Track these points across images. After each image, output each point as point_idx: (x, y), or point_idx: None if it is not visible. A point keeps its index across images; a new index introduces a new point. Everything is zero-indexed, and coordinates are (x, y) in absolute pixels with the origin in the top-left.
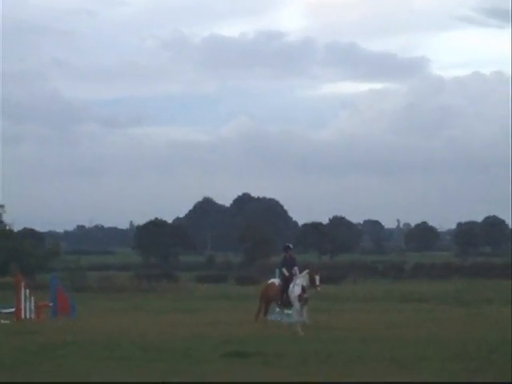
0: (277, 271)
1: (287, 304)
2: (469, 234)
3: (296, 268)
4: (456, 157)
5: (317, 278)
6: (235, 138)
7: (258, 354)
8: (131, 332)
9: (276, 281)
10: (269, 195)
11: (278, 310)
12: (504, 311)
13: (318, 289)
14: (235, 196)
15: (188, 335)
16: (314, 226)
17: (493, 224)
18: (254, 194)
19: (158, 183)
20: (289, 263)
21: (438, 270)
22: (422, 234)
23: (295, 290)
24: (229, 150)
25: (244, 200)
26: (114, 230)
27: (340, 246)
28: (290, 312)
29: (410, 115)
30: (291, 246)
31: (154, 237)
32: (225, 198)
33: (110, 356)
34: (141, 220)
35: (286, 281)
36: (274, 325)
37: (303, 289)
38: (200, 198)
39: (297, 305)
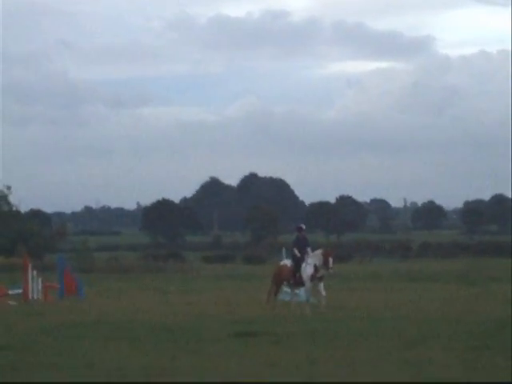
0: (284, 250)
1: (300, 284)
2: (476, 213)
3: (309, 248)
4: (462, 135)
5: (330, 259)
6: (242, 118)
7: (267, 333)
8: (139, 312)
9: (288, 262)
10: (276, 175)
11: (285, 289)
12: (510, 289)
13: (331, 271)
14: (242, 176)
15: (196, 315)
16: (321, 206)
17: (500, 202)
18: (261, 173)
19: (164, 163)
20: (301, 243)
21: (445, 248)
22: (429, 213)
23: (307, 269)
24: (235, 129)
25: (251, 180)
26: (121, 211)
27: (347, 225)
28: (297, 291)
29: (416, 94)
30: (304, 226)
31: (161, 217)
32: (232, 178)
33: (119, 336)
34: (148, 200)
35: (298, 261)
36: (283, 305)
37: (315, 268)
38: (207, 178)
39: (308, 284)
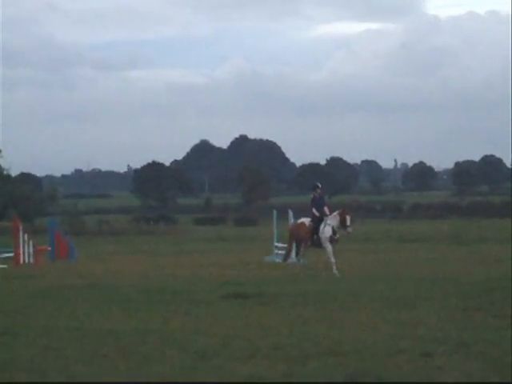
0: (274, 212)
1: (318, 245)
2: (466, 174)
3: (326, 208)
4: (452, 96)
5: (348, 218)
6: (231, 80)
7: (257, 294)
8: (130, 274)
9: (306, 220)
10: (266, 137)
11: (276, 251)
12: (501, 249)
13: (349, 230)
14: (232, 138)
15: (187, 277)
16: (312, 167)
17: (490, 163)
18: (252, 135)
19: (154, 126)
20: (318, 203)
21: (436, 209)
22: (420, 174)
23: (326, 230)
24: (225, 92)
25: (241, 142)
26: (111, 174)
27: (338, 186)
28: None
29: (405, 55)
30: (319, 185)
31: (151, 180)
32: (222, 140)
33: (110, 299)
34: (138, 163)
35: (317, 221)
36: (274, 266)
37: (334, 230)
38: (197, 141)
39: (328, 246)
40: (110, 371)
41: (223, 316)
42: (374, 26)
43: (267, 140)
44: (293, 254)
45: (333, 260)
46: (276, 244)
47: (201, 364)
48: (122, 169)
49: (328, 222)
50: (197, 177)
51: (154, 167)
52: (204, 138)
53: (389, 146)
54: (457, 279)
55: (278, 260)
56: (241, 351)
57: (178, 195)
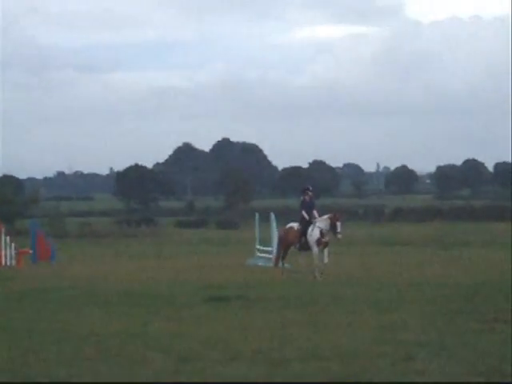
0: (256, 215)
1: (306, 248)
2: (448, 177)
3: (315, 211)
4: (434, 100)
5: (338, 224)
6: (214, 83)
7: (239, 298)
8: (112, 277)
9: (295, 225)
10: (248, 140)
11: (258, 254)
12: (483, 253)
13: (339, 236)
14: (215, 141)
15: (169, 280)
16: (294, 171)
17: (472, 167)
18: (234, 138)
19: (136, 129)
20: (308, 206)
21: (418, 213)
22: (402, 178)
23: (314, 233)
24: (208, 95)
25: (223, 145)
26: (93, 176)
27: (320, 190)
28: (270, 256)
29: (387, 59)
30: (311, 188)
31: (134, 182)
32: (204, 143)
33: (92, 301)
34: (121, 166)
35: (306, 224)
36: (255, 269)
37: (322, 233)
38: (179, 144)
39: (315, 249)
40: (92, 374)
41: (205, 319)
42: (356, 29)
43: (250, 143)
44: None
45: (317, 263)
46: (258, 247)
47: (182, 367)
48: (105, 171)
49: (317, 224)
50: (179, 180)
51: (137, 170)
52: (186, 140)
53: (371, 149)
54: (438, 283)
55: (261, 263)
56: (222, 354)
57: (160, 198)
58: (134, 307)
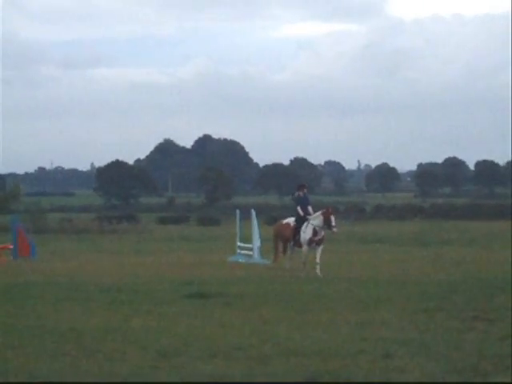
0: (238, 212)
1: (299, 245)
2: (429, 175)
3: (310, 207)
4: (416, 98)
5: (332, 218)
6: (195, 80)
7: (219, 294)
8: (92, 273)
9: (291, 220)
10: (230, 137)
11: (238, 250)
12: (464, 251)
13: (335, 229)
14: (196, 137)
15: (149, 276)
16: (275, 167)
17: (453, 165)
18: (215, 135)
19: (118, 125)
20: (303, 202)
21: (399, 211)
22: (383, 175)
23: (307, 231)
24: (189, 91)
25: (205, 141)
26: (74, 172)
27: None
28: (250, 253)
29: (369, 56)
30: (306, 184)
31: (114, 178)
32: (186, 140)
33: (72, 297)
34: (102, 162)
35: (301, 221)
36: (236, 266)
37: (315, 232)
38: (161, 140)
39: (305, 248)
40: (71, 370)
41: (185, 315)
42: (338, 27)
43: (231, 140)
44: (255, 253)
45: (304, 261)
46: (239, 244)
47: (162, 363)
48: (86, 167)
49: (311, 221)
50: (160, 176)
51: (118, 166)
52: (168, 137)
53: (352, 147)
54: (418, 281)
55: (241, 260)
56: (202, 351)
57: (141, 194)
58: (114, 303)
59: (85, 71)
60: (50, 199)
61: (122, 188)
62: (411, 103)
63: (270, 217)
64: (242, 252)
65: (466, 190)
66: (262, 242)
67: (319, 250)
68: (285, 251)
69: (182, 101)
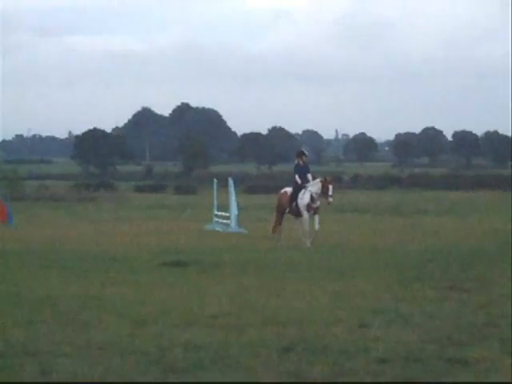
0: (215, 181)
1: (296, 213)
2: (407, 145)
3: (309, 175)
4: (393, 68)
5: (330, 187)
6: (173, 48)
7: (196, 263)
8: (70, 241)
9: (288, 189)
10: (208, 105)
11: (216, 219)
12: (440, 221)
13: (330, 199)
14: (174, 106)
15: (126, 244)
16: (253, 137)
17: (430, 135)
18: (193, 103)
19: (95, 93)
20: (302, 170)
21: (376, 180)
22: (361, 145)
23: (305, 197)
24: (167, 59)
25: (183, 110)
26: (52, 140)
27: (279, 156)
28: (227, 222)
29: (347, 27)
30: (306, 152)
31: (92, 146)
32: (163, 108)
33: (48, 265)
34: (79, 129)
35: (297, 189)
36: (212, 234)
37: (312, 198)
38: (139, 108)
39: (305, 214)
40: (48, 337)
41: (162, 284)
42: None
43: (209, 108)
44: (233, 223)
45: (306, 229)
46: (216, 212)
47: (139, 331)
48: (63, 135)
49: (309, 188)
50: (138, 144)
51: (95, 134)
52: (145, 105)
53: (330, 116)
54: (395, 250)
55: (218, 229)
56: (179, 319)
57: (118, 162)
58: (91, 271)
59: (62, 39)
60: (27, 167)
61: (100, 156)
62: (389, 73)
63: (247, 186)
64: (219, 221)
65: (443, 160)
66: (239, 211)
67: (316, 218)
68: (280, 222)
69: (159, 69)
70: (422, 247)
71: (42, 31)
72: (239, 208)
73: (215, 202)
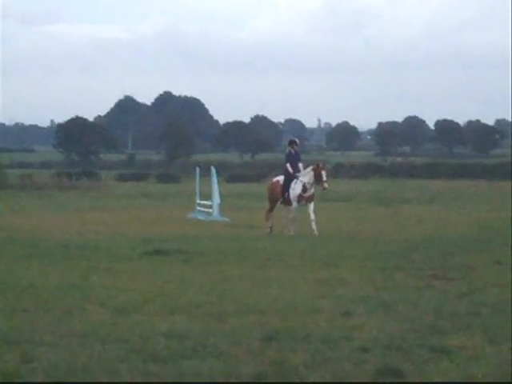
0: (197, 169)
1: (288, 203)
2: (389, 134)
3: (300, 164)
4: (376, 57)
5: (323, 173)
6: (156, 36)
7: (179, 251)
8: (52, 229)
9: (280, 178)
10: (190, 94)
11: (198, 208)
12: (422, 210)
13: (326, 185)
14: (157, 94)
15: (109, 233)
16: (236, 125)
17: (413, 124)
18: (176, 92)
19: (78, 81)
20: (293, 159)
21: (359, 169)
22: (343, 134)
23: (296, 187)
24: (150, 48)
25: (165, 98)
26: (35, 128)
27: (261, 144)
28: (210, 210)
29: (329, 15)
30: (297, 140)
31: (74, 135)
32: (146, 97)
33: (31, 253)
34: (62, 118)
35: (289, 178)
36: (195, 223)
37: (304, 187)
38: (121, 97)
39: (294, 204)
40: (30, 326)
41: (144, 272)
42: None
43: (191, 97)
44: (215, 211)
45: (291, 218)
46: (198, 201)
47: (121, 319)
48: (46, 123)
49: (300, 178)
50: (120, 133)
51: (78, 122)
52: (128, 94)
53: (313, 105)
54: (377, 239)
55: (201, 217)
56: (161, 307)
57: (101, 151)
58: (74, 259)
59: (44, 27)
60: (9, 155)
61: (82, 144)
62: (372, 62)
63: (230, 174)
64: (202, 209)
65: (425, 149)
66: (221, 200)
67: (311, 207)
68: (272, 210)
69: (142, 57)
70: (405, 236)
71: (25, 20)
72: (222, 197)
73: (197, 190)
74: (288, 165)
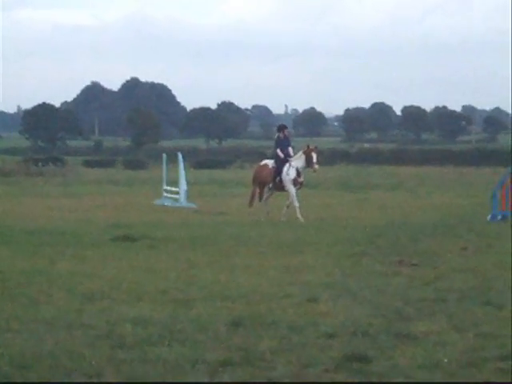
0: (164, 156)
1: (280, 188)
2: (356, 120)
3: (290, 148)
4: (343, 43)
5: (314, 155)
6: (122, 22)
7: (146, 237)
8: (18, 216)
9: (269, 162)
10: (157, 80)
11: (165, 194)
12: (389, 196)
13: (316, 166)
14: (123, 80)
15: (76, 219)
16: (203, 111)
17: (380, 110)
18: (143, 78)
19: (44, 67)
20: (283, 144)
21: (326, 156)
22: (310, 120)
23: (290, 172)
24: (116, 34)
25: (132, 85)
26: (1, 114)
27: (228, 130)
28: (177, 197)
29: (296, 1)
30: (287, 125)
31: (41, 121)
32: (113, 83)
33: None
34: (28, 104)
35: (281, 163)
36: (162, 210)
37: (298, 172)
38: (88, 83)
39: (292, 189)
40: None
41: (111, 259)
42: None
43: (158, 83)
44: (182, 198)
45: (296, 204)
46: (165, 187)
47: (88, 306)
48: (12, 109)
49: (292, 163)
50: (87, 119)
51: (44, 108)
52: (95, 80)
53: (279, 91)
54: (344, 225)
55: (168, 203)
56: (128, 294)
57: (67, 137)
58: (40, 246)
59: (11, 12)
60: None
61: (49, 131)
62: (338, 48)
63: (196, 161)
64: (169, 195)
65: (392, 135)
66: (188, 186)
67: (297, 192)
68: (261, 195)
69: (109, 43)
70: (371, 222)
71: None
72: (188, 183)
73: (164, 176)
74: (278, 150)
